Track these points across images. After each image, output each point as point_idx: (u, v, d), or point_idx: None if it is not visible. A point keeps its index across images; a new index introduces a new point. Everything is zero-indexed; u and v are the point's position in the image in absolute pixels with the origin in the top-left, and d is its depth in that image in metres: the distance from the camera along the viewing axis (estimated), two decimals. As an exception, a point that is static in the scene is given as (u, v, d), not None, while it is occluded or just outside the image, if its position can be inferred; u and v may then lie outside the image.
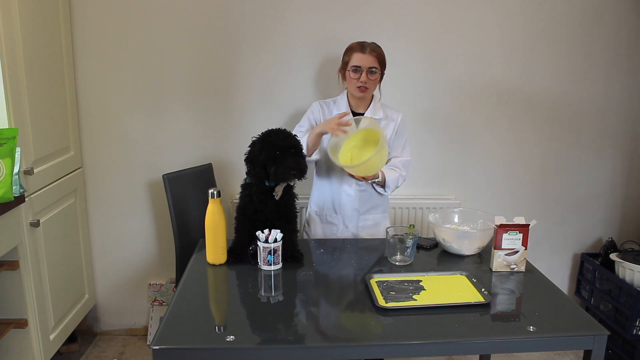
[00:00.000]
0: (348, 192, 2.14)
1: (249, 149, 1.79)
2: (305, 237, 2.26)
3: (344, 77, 2.11)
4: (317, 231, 2.21)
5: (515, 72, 2.61)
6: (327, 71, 2.48)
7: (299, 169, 1.71)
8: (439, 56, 2.56)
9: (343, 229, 2.18)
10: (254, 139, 1.79)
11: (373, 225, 2.20)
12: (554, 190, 2.79)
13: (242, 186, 1.84)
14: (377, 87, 2.13)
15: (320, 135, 1.99)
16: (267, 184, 1.76)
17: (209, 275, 1.72)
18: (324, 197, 2.17)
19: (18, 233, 1.93)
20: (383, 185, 2.09)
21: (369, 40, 2.08)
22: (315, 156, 2.07)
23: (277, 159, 1.71)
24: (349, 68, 2.04)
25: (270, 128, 1.80)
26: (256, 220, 1.78)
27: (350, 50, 2.06)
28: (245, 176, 1.83)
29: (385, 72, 2.10)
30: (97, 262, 2.70)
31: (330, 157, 1.93)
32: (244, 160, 1.78)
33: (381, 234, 2.19)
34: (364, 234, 2.19)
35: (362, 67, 2.00)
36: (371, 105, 2.12)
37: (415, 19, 2.51)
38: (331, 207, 2.17)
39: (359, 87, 2.03)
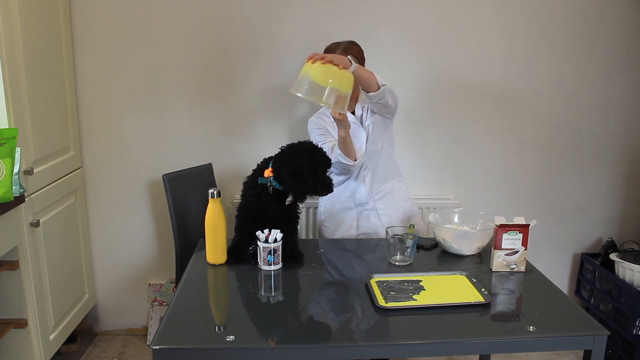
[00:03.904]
0: (359, 182, 2.16)
1: (292, 162, 1.69)
2: (325, 232, 2.25)
3: None
4: (337, 221, 2.21)
5: (515, 72, 2.61)
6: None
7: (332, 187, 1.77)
8: (439, 56, 2.56)
9: (362, 210, 2.18)
10: (283, 148, 1.76)
11: (389, 193, 2.20)
12: (554, 190, 2.79)
13: (245, 184, 1.82)
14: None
15: (345, 133, 1.94)
16: (280, 187, 1.74)
17: (209, 275, 1.72)
18: (339, 190, 2.18)
19: (18, 233, 1.93)
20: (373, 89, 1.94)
21: (364, 40, 2.10)
22: (360, 158, 2.02)
23: (324, 173, 1.73)
24: None
25: (298, 141, 1.77)
26: (258, 220, 1.78)
27: (325, 52, 2.08)
28: (248, 176, 1.82)
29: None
30: (97, 262, 2.70)
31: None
32: (288, 174, 1.69)
33: (401, 202, 2.20)
34: (383, 205, 2.19)
35: None
36: (359, 99, 2.16)
37: (416, 19, 2.51)
38: (344, 195, 2.19)
39: None
